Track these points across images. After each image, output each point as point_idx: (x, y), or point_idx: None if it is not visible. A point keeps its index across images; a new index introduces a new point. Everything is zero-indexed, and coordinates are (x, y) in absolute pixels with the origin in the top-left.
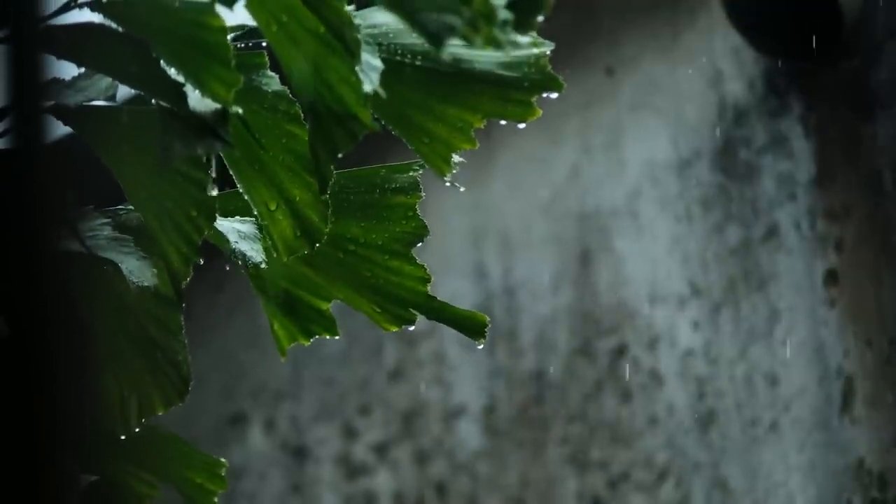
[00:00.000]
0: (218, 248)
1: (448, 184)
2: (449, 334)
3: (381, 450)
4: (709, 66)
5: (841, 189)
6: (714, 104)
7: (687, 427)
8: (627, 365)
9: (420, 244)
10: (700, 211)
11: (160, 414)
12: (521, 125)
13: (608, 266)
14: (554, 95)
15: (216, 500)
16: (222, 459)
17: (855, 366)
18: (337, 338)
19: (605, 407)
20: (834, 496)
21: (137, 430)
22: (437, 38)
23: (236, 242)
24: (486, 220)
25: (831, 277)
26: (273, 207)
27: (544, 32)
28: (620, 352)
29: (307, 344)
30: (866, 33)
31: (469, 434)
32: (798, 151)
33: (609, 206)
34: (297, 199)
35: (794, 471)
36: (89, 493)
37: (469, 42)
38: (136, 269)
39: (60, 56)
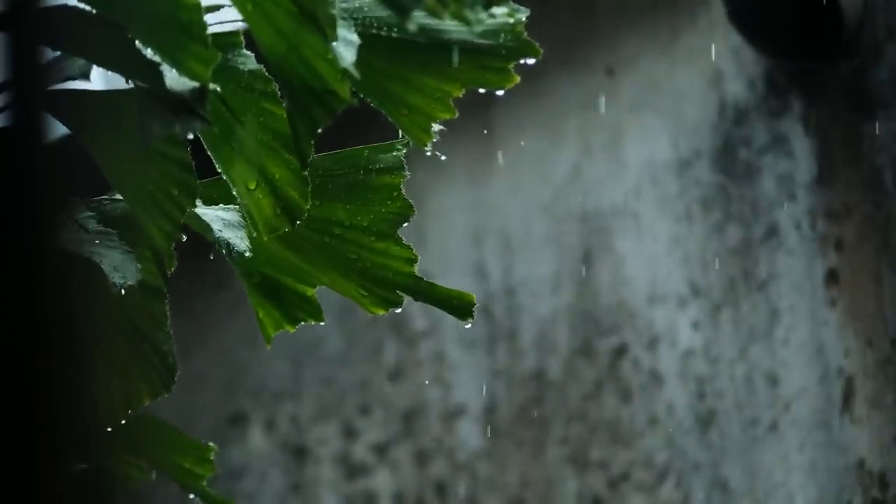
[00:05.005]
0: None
1: (428, 153)
2: (449, 334)
3: (381, 450)
4: (709, 66)
5: (841, 189)
6: (714, 104)
7: (687, 427)
8: (627, 365)
9: (419, 243)
10: (700, 211)
11: (146, 404)
12: (500, 92)
13: (608, 266)
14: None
15: (205, 483)
16: (211, 444)
17: (855, 366)
18: (338, 337)
19: (605, 407)
20: (834, 496)
21: (123, 421)
22: (403, 10)
23: (220, 231)
24: (486, 219)
25: (831, 277)
26: (252, 186)
27: (545, 32)
28: (620, 352)
29: (292, 330)
30: (866, 33)
31: (469, 434)
32: (798, 151)
33: (609, 206)
34: (277, 177)
35: (795, 471)
36: (81, 481)
37: (436, 16)
38: (121, 265)
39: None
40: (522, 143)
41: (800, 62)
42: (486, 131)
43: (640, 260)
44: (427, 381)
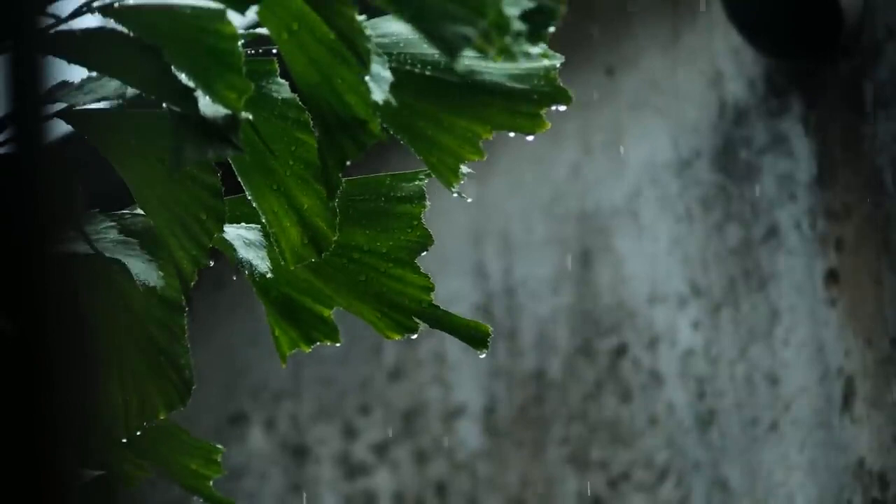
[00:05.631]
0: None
1: (455, 195)
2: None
3: (381, 450)
4: (709, 66)
5: (841, 189)
6: (714, 104)
7: (687, 427)
8: (627, 365)
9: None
10: (700, 211)
11: (161, 418)
12: (530, 137)
13: (608, 266)
14: (563, 107)
15: (211, 484)
16: (218, 445)
17: (855, 365)
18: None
19: (605, 407)
20: (834, 496)
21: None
22: (452, 49)
23: (241, 252)
24: (486, 220)
25: (831, 277)
26: (281, 215)
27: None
28: (620, 352)
29: (308, 350)
30: (866, 33)
31: (469, 434)
32: (798, 151)
33: (609, 206)
34: (306, 206)
35: (795, 471)
36: (89, 487)
37: (483, 54)
38: (142, 272)
39: (72, 60)
40: (522, 144)
41: (800, 62)
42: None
43: (640, 260)
44: (427, 381)
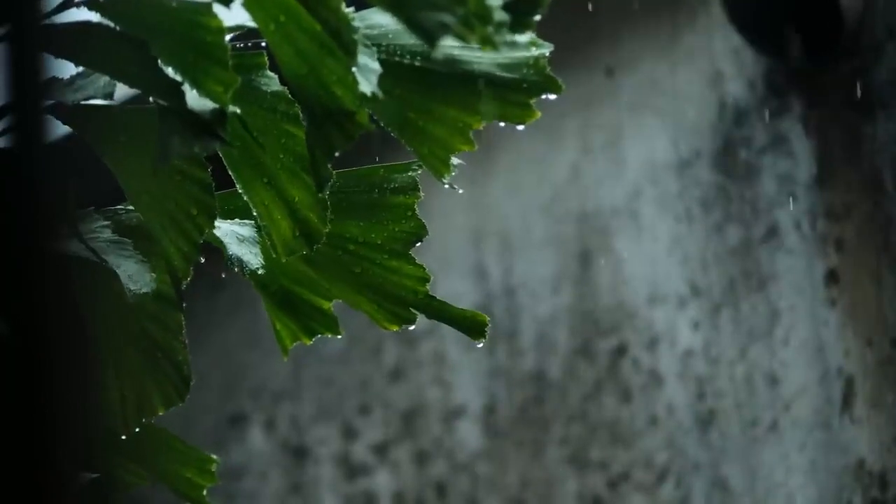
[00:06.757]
0: (218, 248)
1: (447, 186)
2: (449, 334)
3: (381, 450)
4: (709, 66)
5: (841, 189)
6: (714, 104)
7: (687, 427)
8: (627, 365)
9: (419, 244)
10: (700, 211)
11: (160, 414)
12: (520, 127)
13: (608, 266)
14: (552, 97)
15: (205, 493)
16: (213, 456)
17: (855, 366)
18: (338, 337)
19: (605, 407)
20: (834, 496)
21: (137, 430)
22: (431, 36)
23: (233, 249)
24: (486, 220)
25: (831, 277)
26: (272, 208)
27: (544, 32)
28: (620, 352)
29: (309, 343)
30: (866, 33)
31: (469, 434)
32: (798, 151)
33: (609, 206)
34: (296, 199)
35: (795, 471)
36: (86, 492)
37: (464, 41)
38: (136, 274)
39: (58, 55)
40: (522, 144)
41: (800, 62)
42: (485, 132)
43: (639, 260)
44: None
